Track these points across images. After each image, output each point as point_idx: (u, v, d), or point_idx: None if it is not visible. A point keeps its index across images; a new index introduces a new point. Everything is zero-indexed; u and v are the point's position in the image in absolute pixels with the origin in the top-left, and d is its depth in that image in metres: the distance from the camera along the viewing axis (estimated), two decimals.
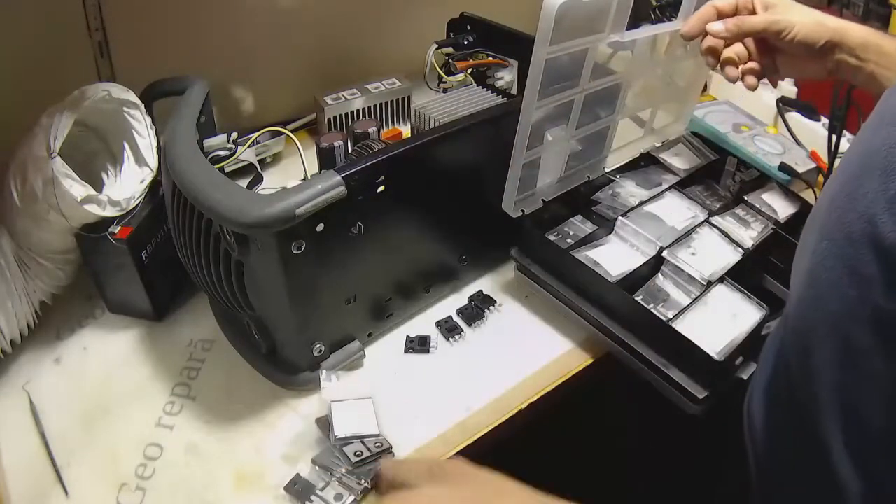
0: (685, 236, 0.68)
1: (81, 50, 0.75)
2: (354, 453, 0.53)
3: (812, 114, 0.95)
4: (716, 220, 0.71)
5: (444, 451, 0.56)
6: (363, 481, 0.52)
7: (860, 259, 0.40)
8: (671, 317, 0.60)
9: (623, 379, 0.63)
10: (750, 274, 0.67)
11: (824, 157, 0.85)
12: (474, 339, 0.67)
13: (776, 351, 0.53)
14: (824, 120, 0.93)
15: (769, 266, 0.70)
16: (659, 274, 0.66)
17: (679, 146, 0.83)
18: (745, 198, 0.75)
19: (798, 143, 0.92)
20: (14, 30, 0.70)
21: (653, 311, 0.60)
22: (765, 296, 0.64)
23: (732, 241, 0.68)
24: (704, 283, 0.63)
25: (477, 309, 0.69)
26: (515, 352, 0.65)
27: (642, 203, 0.72)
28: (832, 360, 0.43)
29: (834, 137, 0.82)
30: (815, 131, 0.93)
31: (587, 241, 0.68)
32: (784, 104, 0.97)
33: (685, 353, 0.57)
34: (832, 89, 0.82)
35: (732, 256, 0.67)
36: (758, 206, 0.74)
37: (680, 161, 0.81)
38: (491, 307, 0.69)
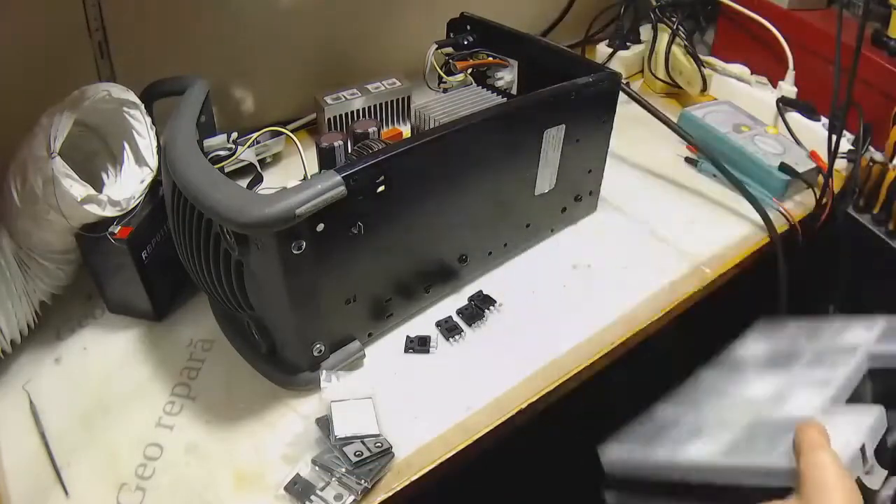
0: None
1: (81, 50, 0.75)
2: (354, 453, 0.53)
3: (812, 114, 0.94)
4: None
5: (444, 451, 0.56)
6: (363, 481, 0.52)
7: None
8: None
9: (623, 378, 0.63)
10: None
11: (824, 157, 0.85)
12: (474, 339, 0.67)
13: None
14: (824, 120, 0.92)
15: None
16: None
17: None
18: None
19: (798, 143, 0.92)
20: (14, 30, 0.70)
21: None
22: None
23: None
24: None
25: (477, 309, 0.69)
26: (515, 352, 0.65)
27: None
28: None
29: (834, 137, 0.82)
30: (815, 131, 0.92)
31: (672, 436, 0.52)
32: (784, 104, 0.96)
33: None
34: (832, 89, 0.82)
35: None
36: None
37: None
38: (491, 307, 0.69)
